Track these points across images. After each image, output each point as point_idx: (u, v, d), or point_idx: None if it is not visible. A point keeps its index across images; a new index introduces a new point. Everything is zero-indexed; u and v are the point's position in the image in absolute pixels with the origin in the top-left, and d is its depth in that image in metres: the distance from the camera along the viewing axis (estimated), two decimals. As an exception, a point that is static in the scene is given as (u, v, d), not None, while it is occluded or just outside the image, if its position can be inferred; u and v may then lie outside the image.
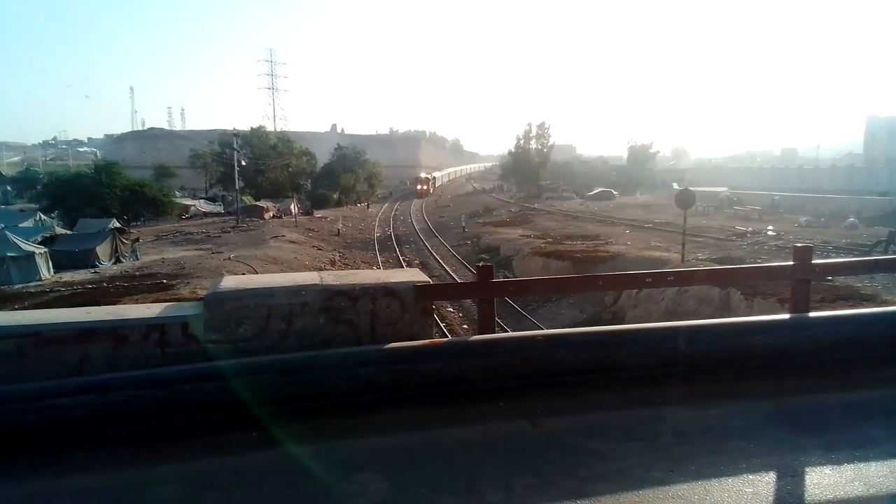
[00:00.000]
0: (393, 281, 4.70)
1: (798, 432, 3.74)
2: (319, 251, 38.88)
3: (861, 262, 11.87)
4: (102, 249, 30.86)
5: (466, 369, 4.34)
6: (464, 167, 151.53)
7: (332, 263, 35.06)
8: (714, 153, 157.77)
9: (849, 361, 4.73)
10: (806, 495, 3.04)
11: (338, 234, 48.99)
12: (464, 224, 49.67)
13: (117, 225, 36.51)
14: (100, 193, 48.98)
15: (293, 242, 39.75)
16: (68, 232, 36.58)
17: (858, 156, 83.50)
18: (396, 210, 71.88)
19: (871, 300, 14.81)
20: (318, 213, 62.00)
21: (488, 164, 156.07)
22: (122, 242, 32.74)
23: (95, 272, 28.51)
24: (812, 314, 5.20)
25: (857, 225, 33.55)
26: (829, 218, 38.63)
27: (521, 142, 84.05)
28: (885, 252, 22.34)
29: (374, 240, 47.63)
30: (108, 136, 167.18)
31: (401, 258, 38.15)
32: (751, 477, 3.19)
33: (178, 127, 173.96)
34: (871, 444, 3.52)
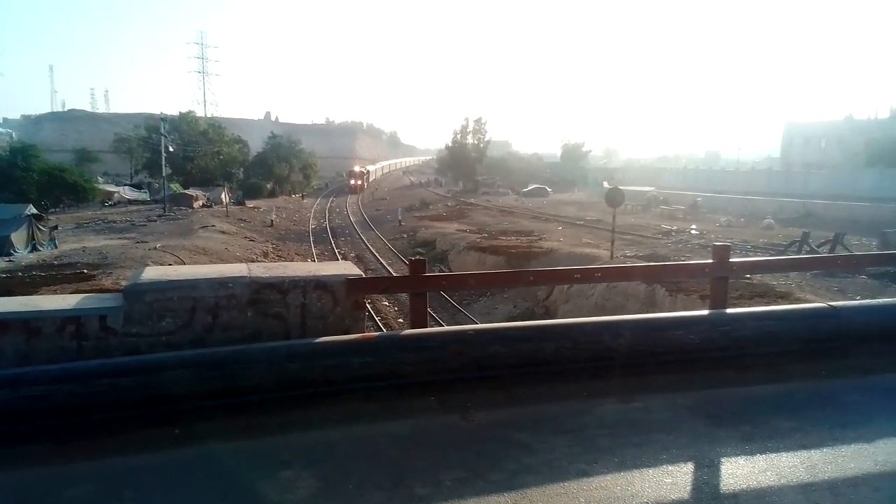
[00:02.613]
0: (324, 274, 4.64)
1: (715, 424, 3.90)
2: (252, 242, 37.96)
3: (776, 261, 12.52)
4: (18, 237, 29.15)
5: (398, 363, 4.34)
6: (401, 160, 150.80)
7: (265, 255, 34.28)
8: (642, 154, 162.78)
9: (764, 356, 4.97)
10: (721, 485, 3.18)
11: (271, 225, 47.92)
12: (400, 218, 49.44)
13: (34, 211, 34.46)
14: (15, 177, 46.37)
15: (224, 233, 38.63)
16: (-21, 217, 34.47)
17: (776, 160, 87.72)
18: (332, 203, 70.98)
19: (785, 297, 15.58)
20: (250, 203, 60.38)
21: (425, 158, 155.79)
22: (40, 229, 30.97)
23: (10, 261, 26.91)
24: (729, 310, 5.44)
25: (773, 226, 35.22)
26: (748, 218, 40.44)
27: (458, 136, 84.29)
28: (799, 252, 23.56)
29: (308, 232, 46.87)
30: (26, 117, 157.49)
31: (336, 251, 37.71)
32: (670, 468, 3.31)
33: (101, 109, 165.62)
34: (783, 435, 3.71)
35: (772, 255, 23.25)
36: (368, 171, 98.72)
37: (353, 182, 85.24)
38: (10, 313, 4.05)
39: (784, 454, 3.49)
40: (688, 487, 3.17)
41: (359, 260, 33.23)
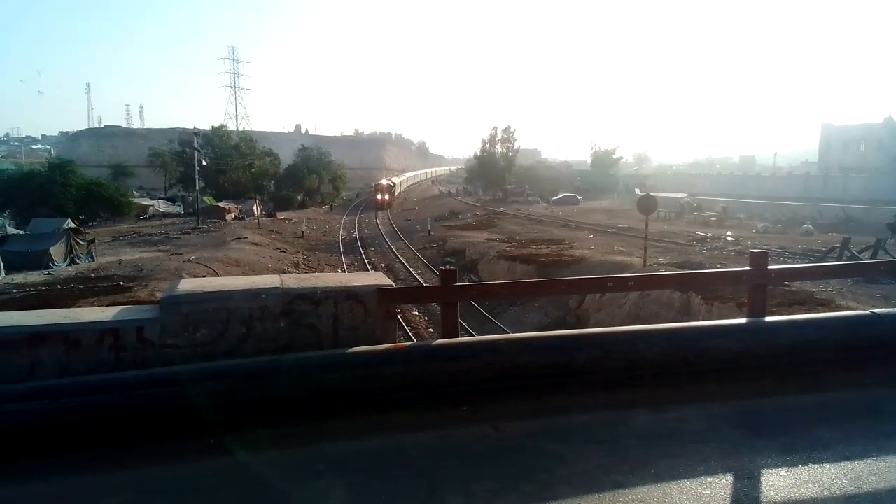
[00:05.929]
0: (355, 284, 4.66)
1: (755, 435, 3.81)
2: (283, 253, 38.37)
3: (816, 267, 12.17)
4: (56, 250, 29.92)
5: (430, 373, 4.32)
6: (430, 170, 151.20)
7: (296, 266, 34.63)
8: (675, 159, 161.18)
9: (804, 365, 4.84)
10: (762, 497, 3.10)
11: (302, 236, 48.42)
12: (429, 227, 49.51)
13: (72, 225, 35.46)
14: (54, 192, 47.76)
15: (256, 244, 39.14)
16: (20, 232, 35.49)
17: (813, 164, 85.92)
18: (361, 213, 71.36)
19: (826, 304, 15.20)
20: (281, 215, 61.14)
21: (454, 168, 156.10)
22: (78, 243, 31.75)
23: (49, 274, 27.63)
24: (768, 318, 5.31)
25: (812, 231, 34.37)
26: (785, 224, 39.58)
27: (487, 145, 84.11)
28: (840, 258, 22.99)
29: (338, 242, 47.25)
30: (63, 134, 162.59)
31: (366, 261, 37.92)
32: (708, 479, 3.24)
33: (136, 125, 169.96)
34: (825, 446, 3.60)
35: (811, 261, 22.71)
36: (395, 184, 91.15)
37: (379, 197, 77.46)
38: (51, 325, 4.14)
39: (826, 465, 3.38)
40: (727, 499, 3.09)
41: (388, 270, 33.38)
